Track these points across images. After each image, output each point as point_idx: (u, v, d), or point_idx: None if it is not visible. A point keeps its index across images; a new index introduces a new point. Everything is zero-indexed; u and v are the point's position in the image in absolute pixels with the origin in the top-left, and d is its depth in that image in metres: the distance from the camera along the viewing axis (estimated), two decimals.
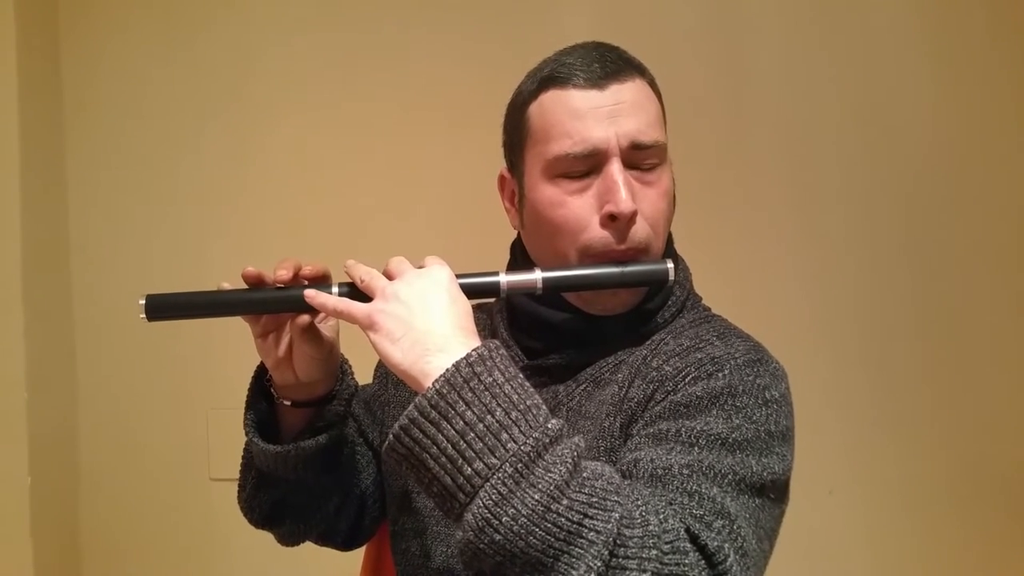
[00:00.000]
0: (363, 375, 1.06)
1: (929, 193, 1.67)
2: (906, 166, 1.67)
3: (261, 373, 0.97)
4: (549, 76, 0.90)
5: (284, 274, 0.86)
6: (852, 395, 1.68)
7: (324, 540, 1.08)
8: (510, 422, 0.68)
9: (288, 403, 0.95)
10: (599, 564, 0.64)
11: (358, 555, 1.18)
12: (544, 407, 0.71)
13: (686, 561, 0.67)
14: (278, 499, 1.00)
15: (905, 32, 1.68)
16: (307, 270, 0.88)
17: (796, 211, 1.70)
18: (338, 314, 0.83)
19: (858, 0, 1.68)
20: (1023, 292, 1.65)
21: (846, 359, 1.68)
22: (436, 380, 0.70)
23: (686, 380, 0.84)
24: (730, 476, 0.76)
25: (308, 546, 1.09)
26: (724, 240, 1.68)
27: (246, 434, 0.95)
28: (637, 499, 0.69)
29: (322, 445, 0.94)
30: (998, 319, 1.66)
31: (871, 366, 1.68)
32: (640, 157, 0.88)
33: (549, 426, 0.69)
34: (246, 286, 0.88)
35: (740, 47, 1.71)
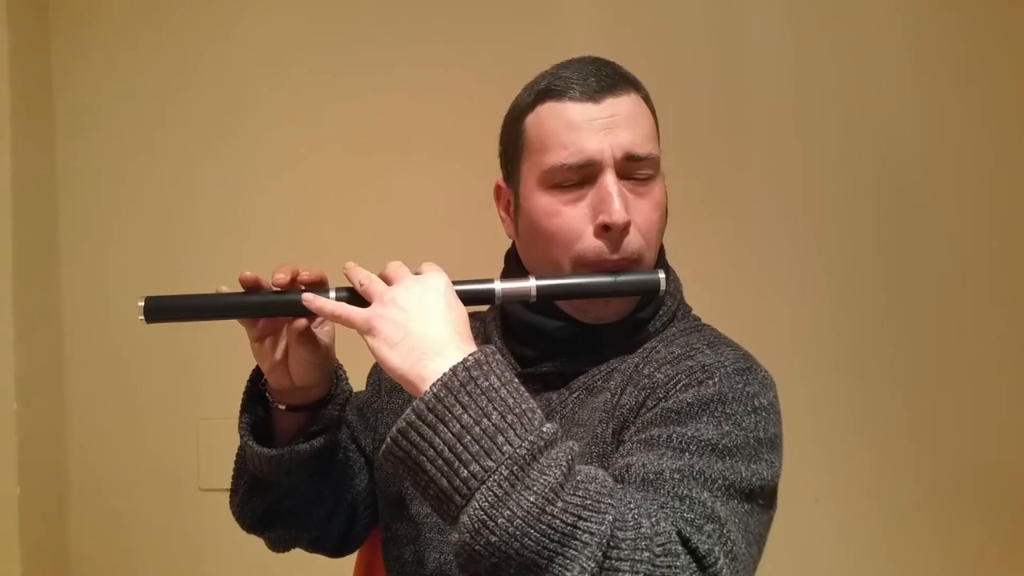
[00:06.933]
0: (357, 382, 1.07)
1: (907, 206, 1.70)
2: (885, 178, 1.70)
3: (256, 377, 0.98)
4: (546, 89, 0.92)
5: (282, 277, 0.87)
6: (836, 405, 1.70)
7: (315, 546, 1.08)
8: (506, 425, 0.69)
9: (283, 407, 0.96)
10: (592, 565, 0.65)
11: (349, 563, 1.18)
12: (539, 411, 0.72)
13: (677, 564, 0.68)
14: (270, 504, 1.00)
15: (900, 57, 1.71)
16: (305, 275, 0.88)
17: (780, 223, 1.72)
18: (336, 318, 0.84)
19: (856, 18, 1.71)
20: (1003, 300, 1.68)
21: (831, 369, 1.70)
22: (433, 384, 0.71)
23: (677, 387, 0.85)
24: (720, 481, 0.77)
25: (299, 554, 1.09)
26: (708, 251, 1.70)
27: (241, 437, 0.96)
28: (630, 502, 0.70)
29: (316, 449, 0.95)
30: (978, 328, 1.68)
31: (856, 376, 1.70)
32: (634, 168, 0.90)
33: (544, 430, 0.70)
34: (243, 290, 0.89)
35: (736, 63, 1.74)
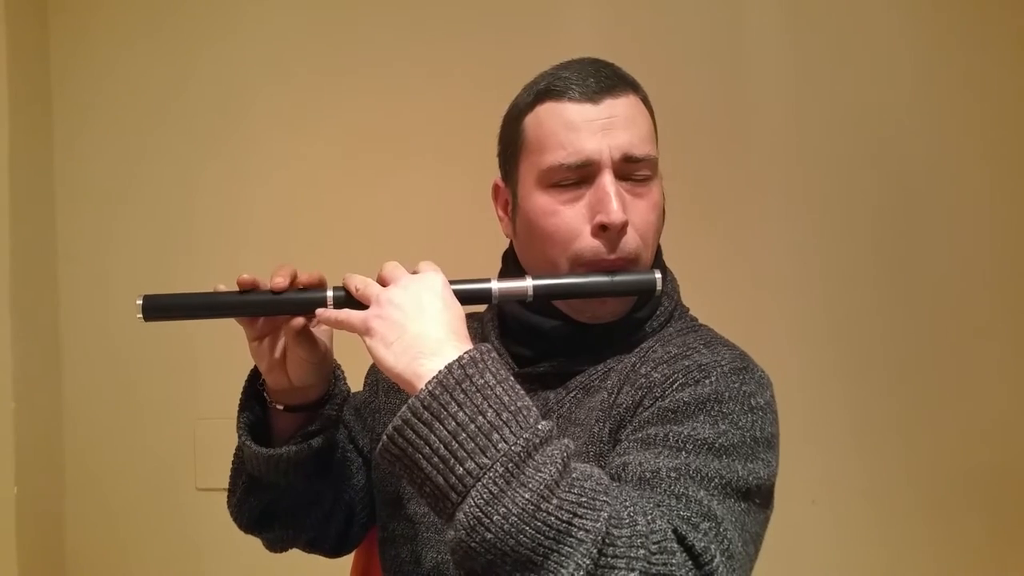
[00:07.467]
0: (355, 382, 1.07)
1: (905, 207, 1.70)
2: (883, 179, 1.70)
3: (254, 377, 0.97)
4: (545, 89, 0.92)
5: (280, 282, 0.87)
6: (833, 406, 1.70)
7: (312, 546, 1.08)
8: (501, 423, 0.70)
9: (281, 407, 0.96)
10: (588, 562, 0.65)
11: (346, 563, 1.18)
12: (534, 409, 0.73)
13: (673, 561, 0.68)
14: (268, 504, 1.00)
15: (900, 57, 1.72)
16: (303, 278, 0.89)
17: (778, 225, 1.73)
18: (339, 325, 0.84)
19: (856, 19, 1.72)
20: (999, 303, 1.68)
21: (827, 371, 1.71)
22: (429, 382, 0.71)
23: (674, 386, 0.85)
24: (716, 480, 0.77)
25: (296, 555, 1.09)
26: (706, 253, 1.71)
27: (239, 437, 0.96)
28: (625, 500, 0.70)
29: (314, 450, 0.95)
30: (974, 331, 1.69)
31: (852, 378, 1.70)
32: (631, 169, 0.90)
33: (539, 427, 0.71)
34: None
35: (736, 64, 1.74)
